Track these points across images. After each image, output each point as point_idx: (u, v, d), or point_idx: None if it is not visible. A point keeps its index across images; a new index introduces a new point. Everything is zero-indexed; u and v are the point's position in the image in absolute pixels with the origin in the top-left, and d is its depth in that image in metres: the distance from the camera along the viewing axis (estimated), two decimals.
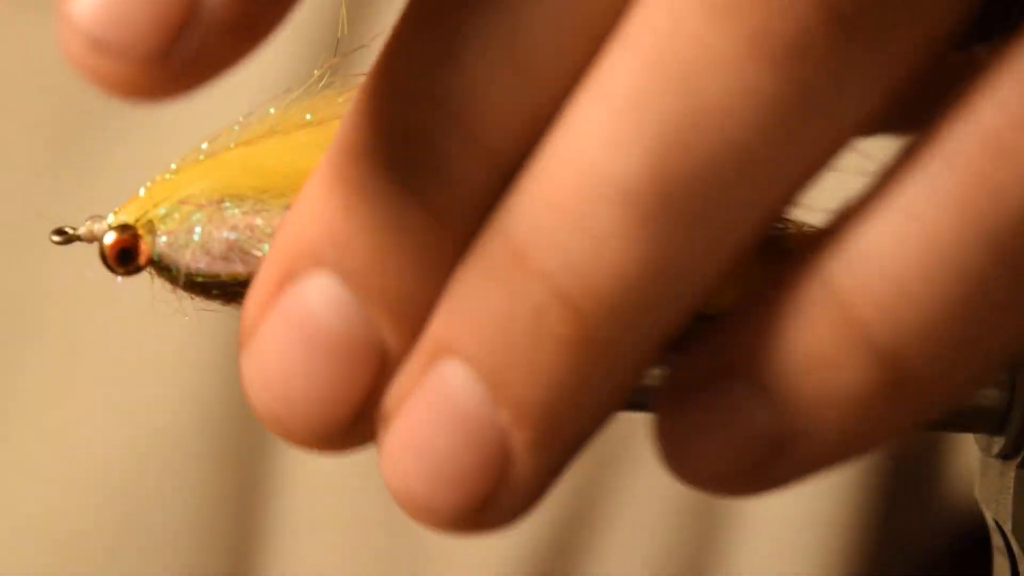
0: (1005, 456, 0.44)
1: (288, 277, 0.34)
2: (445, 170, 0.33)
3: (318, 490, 0.76)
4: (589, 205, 0.32)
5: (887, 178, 0.33)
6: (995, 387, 0.43)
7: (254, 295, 0.35)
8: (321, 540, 0.77)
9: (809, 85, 0.32)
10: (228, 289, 0.40)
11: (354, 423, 0.34)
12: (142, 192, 0.40)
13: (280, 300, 0.34)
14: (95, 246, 0.41)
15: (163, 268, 0.40)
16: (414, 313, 0.34)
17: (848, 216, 0.34)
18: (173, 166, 0.41)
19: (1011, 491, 0.44)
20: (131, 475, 0.75)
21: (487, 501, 0.33)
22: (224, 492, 0.75)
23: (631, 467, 0.79)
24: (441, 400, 0.33)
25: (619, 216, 0.32)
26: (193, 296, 0.41)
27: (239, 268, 0.39)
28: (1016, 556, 0.44)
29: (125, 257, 0.39)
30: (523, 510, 0.34)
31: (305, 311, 0.34)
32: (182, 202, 0.40)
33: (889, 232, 0.33)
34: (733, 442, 0.34)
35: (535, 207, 0.33)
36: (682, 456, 0.34)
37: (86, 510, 0.75)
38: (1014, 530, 0.44)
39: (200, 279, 0.40)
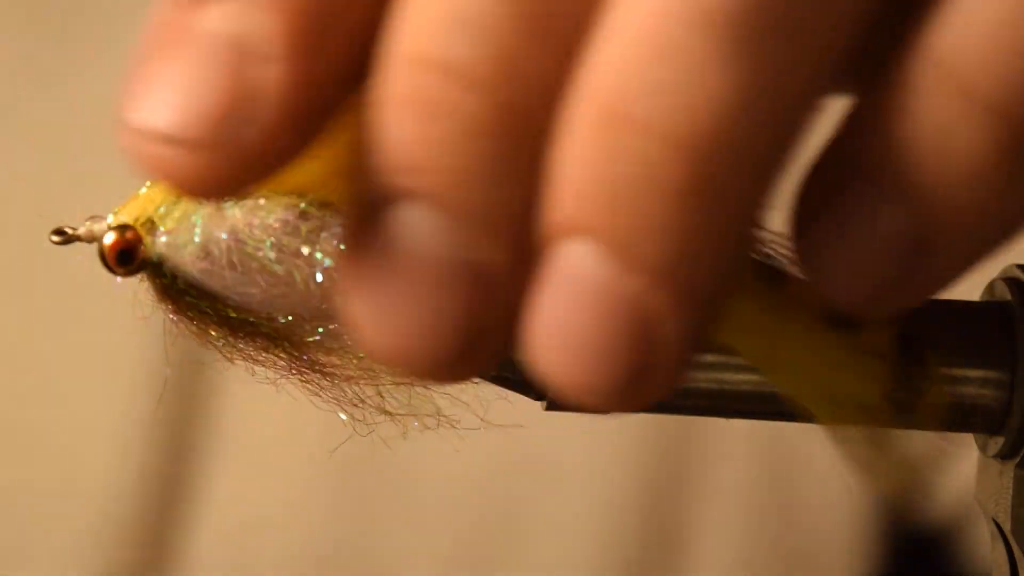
0: (1004, 456, 0.44)
1: (381, 219, 0.33)
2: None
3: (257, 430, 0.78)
4: (680, 33, 0.31)
5: None
6: (994, 387, 0.43)
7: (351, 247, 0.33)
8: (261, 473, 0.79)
9: None
10: (219, 311, 0.40)
11: (472, 345, 0.33)
12: (142, 191, 0.39)
13: (376, 243, 0.33)
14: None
15: (161, 273, 0.39)
16: (513, 220, 0.32)
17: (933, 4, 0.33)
18: None
19: (1010, 491, 0.44)
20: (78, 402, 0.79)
21: (643, 371, 0.32)
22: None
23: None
24: (573, 283, 0.32)
25: (712, 41, 0.31)
26: (176, 311, 0.40)
27: (249, 288, 0.38)
28: (1015, 556, 0.44)
29: (124, 258, 0.38)
30: (677, 374, 0.33)
31: (407, 246, 0.32)
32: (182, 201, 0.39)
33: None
34: (877, 249, 0.33)
35: (619, 58, 0.31)
36: (831, 274, 0.34)
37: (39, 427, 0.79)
38: (1013, 530, 0.44)
39: (193, 295, 0.39)
